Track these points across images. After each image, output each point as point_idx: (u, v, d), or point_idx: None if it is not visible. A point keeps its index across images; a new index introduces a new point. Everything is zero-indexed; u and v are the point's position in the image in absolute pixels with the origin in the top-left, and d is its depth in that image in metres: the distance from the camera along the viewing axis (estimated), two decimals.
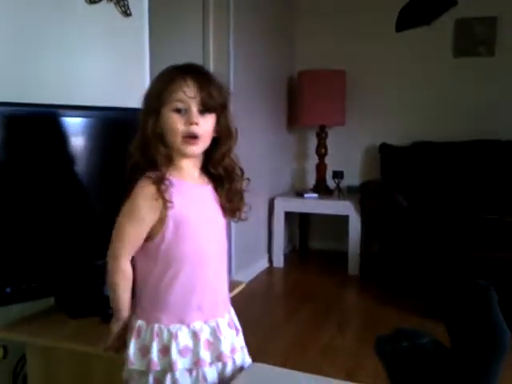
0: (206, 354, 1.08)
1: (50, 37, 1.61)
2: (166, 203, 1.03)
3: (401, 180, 3.47)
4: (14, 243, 1.31)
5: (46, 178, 1.37)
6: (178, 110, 1.05)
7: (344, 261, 3.52)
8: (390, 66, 3.81)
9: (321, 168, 3.87)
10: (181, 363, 1.06)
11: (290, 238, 4.16)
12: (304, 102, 3.73)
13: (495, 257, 2.58)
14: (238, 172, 1.16)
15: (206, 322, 1.10)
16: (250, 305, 2.93)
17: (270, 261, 3.75)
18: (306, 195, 3.71)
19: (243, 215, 1.19)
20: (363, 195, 3.44)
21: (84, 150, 1.48)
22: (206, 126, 1.07)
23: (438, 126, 3.68)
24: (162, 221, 1.05)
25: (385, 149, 3.68)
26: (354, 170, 3.94)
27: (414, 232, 2.88)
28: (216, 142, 1.12)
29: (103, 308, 1.41)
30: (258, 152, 3.49)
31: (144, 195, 1.04)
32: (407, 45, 3.73)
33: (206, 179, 1.15)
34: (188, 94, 1.04)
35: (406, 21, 3.72)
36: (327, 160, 3.85)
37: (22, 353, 1.47)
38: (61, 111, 1.41)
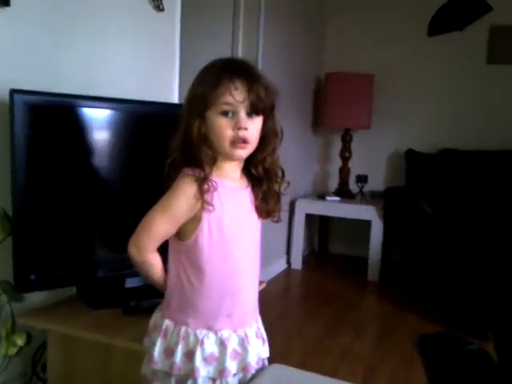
0: (232, 365, 1.04)
1: (82, 27, 1.62)
2: (205, 205, 1.00)
3: (426, 187, 3.41)
4: (40, 232, 1.32)
5: (69, 168, 1.38)
6: (225, 113, 1.01)
7: (364, 266, 3.48)
8: (419, 72, 3.76)
9: (344, 171, 3.83)
10: (205, 371, 1.02)
11: (309, 240, 4.13)
12: (330, 104, 3.70)
13: None
14: (279, 173, 1.13)
15: (234, 331, 1.06)
16: (267, 306, 2.90)
17: (289, 262, 3.73)
18: (328, 198, 3.68)
19: (278, 217, 1.14)
20: (387, 201, 3.40)
21: (109, 142, 1.48)
22: (254, 129, 1.04)
23: (466, 133, 3.61)
24: (197, 221, 1.02)
25: (411, 155, 3.63)
26: (377, 175, 3.89)
27: (438, 240, 2.83)
28: (261, 142, 1.08)
29: (124, 300, 1.42)
30: (282, 153, 3.46)
31: (185, 193, 1.00)
32: (438, 50, 3.67)
33: (245, 180, 1.11)
34: (237, 98, 1.00)
35: (439, 25, 3.66)
36: (351, 164, 3.81)
37: (42, 341, 1.49)
38: (86, 102, 1.41)
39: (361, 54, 3.87)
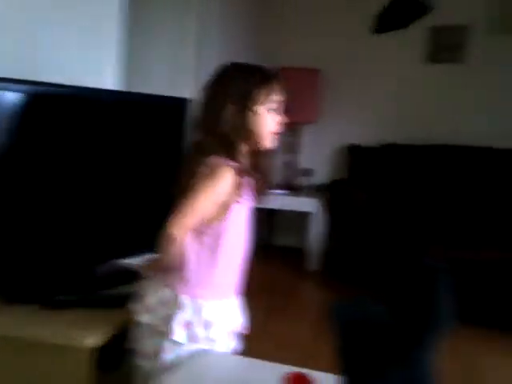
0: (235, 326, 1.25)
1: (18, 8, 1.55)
2: (239, 196, 1.13)
3: (368, 180, 3.50)
4: None
5: None
6: (272, 110, 1.17)
7: (301, 257, 3.54)
8: (363, 68, 3.85)
9: (291, 165, 3.87)
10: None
11: (255, 233, 4.14)
12: None
13: (456, 255, 2.62)
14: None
15: (226, 299, 1.23)
16: None
17: None
18: (273, 191, 3.71)
19: (262, 198, 1.26)
20: (331, 193, 3.46)
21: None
22: None
23: (407, 128, 3.74)
24: (226, 207, 1.14)
25: (354, 149, 3.71)
26: (324, 169, 3.95)
27: (376, 230, 2.91)
28: None
29: (43, 294, 1.36)
30: None
31: (227, 181, 1.11)
32: (382, 48, 3.77)
33: None
34: (279, 98, 1.18)
35: (384, 24, 3.76)
36: (297, 157, 3.85)
37: None
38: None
39: (307, 48, 3.91)
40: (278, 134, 1.20)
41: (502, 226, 2.98)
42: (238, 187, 1.12)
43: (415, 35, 3.70)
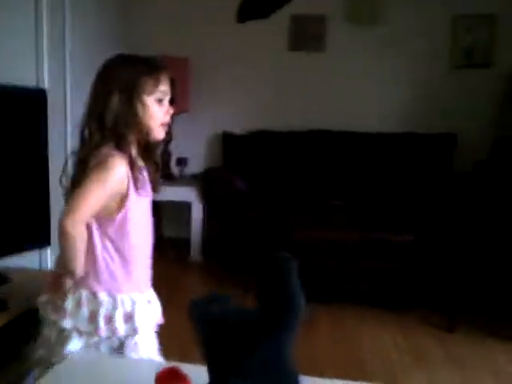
0: (142, 322, 1.22)
1: None
2: (135, 186, 1.15)
3: (241, 167, 3.57)
4: None
5: None
6: (160, 101, 1.19)
7: (188, 247, 3.52)
8: (232, 55, 3.88)
9: (165, 155, 3.80)
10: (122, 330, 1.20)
11: None
12: None
13: (321, 237, 2.79)
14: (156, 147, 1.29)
15: (141, 293, 1.26)
16: None
17: None
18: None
19: (158, 187, 1.29)
20: (205, 182, 3.48)
21: None
22: None
23: (275, 115, 3.86)
24: (124, 198, 1.15)
25: (226, 137, 3.76)
26: (198, 158, 3.95)
27: (251, 216, 2.99)
28: None
29: None
30: None
31: (119, 170, 1.13)
32: (247, 36, 3.83)
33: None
34: (166, 88, 1.19)
35: (246, 13, 3.83)
36: (172, 147, 3.80)
37: None
38: None
39: (175, 37, 3.84)
40: (166, 124, 1.22)
41: (364, 210, 3.24)
42: (133, 178, 1.15)
43: (276, 24, 3.80)
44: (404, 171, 3.49)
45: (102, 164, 1.12)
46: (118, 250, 1.18)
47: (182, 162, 3.73)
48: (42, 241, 1.89)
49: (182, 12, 3.86)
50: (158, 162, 1.28)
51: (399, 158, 3.54)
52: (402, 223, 2.89)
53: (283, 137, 3.68)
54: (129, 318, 1.19)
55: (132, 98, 1.15)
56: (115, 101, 1.14)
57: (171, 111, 1.22)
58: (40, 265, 2.70)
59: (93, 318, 1.17)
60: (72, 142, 2.84)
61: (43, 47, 2.57)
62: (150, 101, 1.17)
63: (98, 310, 1.17)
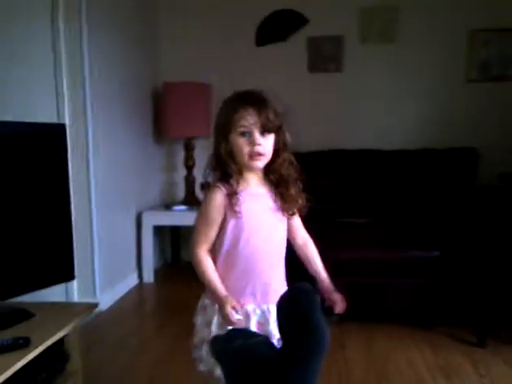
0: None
1: None
2: (234, 212, 1.31)
3: None
4: None
5: None
6: (243, 134, 1.31)
7: None
8: (251, 80, 3.93)
9: (189, 180, 3.88)
10: None
11: (161, 252, 4.09)
12: (170, 114, 3.72)
13: (347, 256, 2.79)
14: (293, 178, 1.40)
15: (258, 306, 1.35)
16: (119, 323, 2.84)
17: (140, 277, 3.65)
18: (174, 208, 3.69)
19: (297, 213, 1.43)
20: None
21: None
22: (267, 144, 1.34)
23: (297, 137, 3.84)
24: (226, 220, 1.33)
25: None
26: None
27: None
28: (274, 154, 1.37)
29: None
30: (123, 165, 3.40)
31: (215, 202, 1.33)
32: (268, 59, 3.88)
33: (267, 185, 1.40)
34: (250, 121, 1.30)
35: (264, 36, 3.91)
36: (195, 172, 3.87)
37: None
38: None
39: (198, 63, 3.94)
40: (257, 154, 1.32)
41: (390, 227, 3.23)
42: (232, 205, 1.30)
43: (294, 46, 3.86)
44: (428, 187, 3.45)
45: (204, 198, 1.37)
46: (220, 263, 1.41)
47: (206, 187, 3.78)
48: (66, 275, 1.89)
49: (203, 38, 3.96)
50: (284, 191, 1.38)
51: (422, 174, 3.50)
52: (428, 239, 2.87)
53: (305, 157, 3.66)
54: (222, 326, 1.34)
55: (222, 137, 1.33)
56: (214, 142, 1.36)
57: (258, 141, 1.31)
58: (66, 298, 2.76)
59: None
60: (95, 175, 2.92)
61: (63, 83, 2.67)
62: (233, 136, 1.32)
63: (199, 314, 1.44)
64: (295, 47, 3.87)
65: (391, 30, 3.72)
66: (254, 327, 1.32)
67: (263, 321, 1.34)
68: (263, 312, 1.35)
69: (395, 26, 3.71)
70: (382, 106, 3.82)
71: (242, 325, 1.26)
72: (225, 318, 1.25)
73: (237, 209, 1.30)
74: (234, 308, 1.24)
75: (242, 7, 3.89)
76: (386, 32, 3.74)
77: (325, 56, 3.85)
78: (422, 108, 3.76)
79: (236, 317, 1.23)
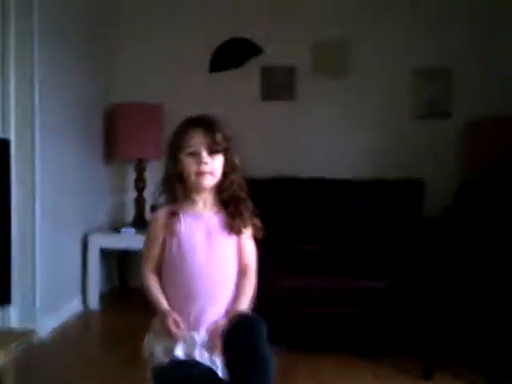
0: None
1: None
2: (173, 231, 1.38)
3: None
4: None
5: None
6: (192, 154, 1.39)
7: None
8: (205, 104, 3.93)
9: (139, 202, 3.80)
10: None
11: (108, 277, 3.96)
12: (121, 135, 3.67)
13: (294, 284, 2.78)
14: (243, 198, 1.46)
15: (189, 329, 1.32)
16: (57, 353, 2.71)
17: (85, 303, 3.50)
18: (122, 230, 3.60)
19: (249, 234, 1.49)
20: None
21: None
22: (214, 164, 1.40)
23: (246, 162, 3.88)
24: (167, 241, 1.40)
25: None
26: None
27: None
28: (223, 175, 1.44)
29: None
30: (70, 185, 3.30)
31: (157, 220, 1.44)
32: (220, 85, 3.90)
33: (217, 205, 1.46)
34: (197, 141, 1.39)
35: (218, 63, 3.94)
36: (146, 193, 3.80)
37: None
38: None
39: (149, 84, 3.92)
40: (202, 173, 1.38)
41: (337, 256, 3.27)
42: (171, 225, 1.38)
43: (247, 74, 3.91)
44: (377, 217, 3.52)
45: (150, 221, 1.48)
46: (163, 284, 1.49)
47: (155, 208, 3.72)
48: (2, 299, 1.82)
49: (156, 61, 3.95)
50: (233, 209, 1.43)
51: (372, 204, 3.57)
52: (377, 269, 2.91)
53: (258, 184, 3.66)
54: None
55: (171, 157, 1.41)
56: (166, 161, 1.46)
57: (204, 160, 1.37)
58: (3, 323, 2.61)
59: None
60: (41, 194, 2.81)
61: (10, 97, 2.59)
62: (182, 156, 1.39)
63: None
64: (249, 75, 3.92)
65: (340, 64, 3.85)
66: (179, 351, 1.26)
67: (191, 344, 1.28)
68: (192, 337, 1.30)
69: (347, 61, 3.84)
70: (333, 136, 3.91)
71: (183, 337, 1.27)
72: (166, 331, 1.28)
73: (175, 228, 1.36)
74: (175, 321, 1.28)
75: (197, 32, 3.92)
76: (337, 66, 3.86)
77: (278, 84, 3.92)
78: (372, 139, 3.87)
79: (176, 330, 1.26)
